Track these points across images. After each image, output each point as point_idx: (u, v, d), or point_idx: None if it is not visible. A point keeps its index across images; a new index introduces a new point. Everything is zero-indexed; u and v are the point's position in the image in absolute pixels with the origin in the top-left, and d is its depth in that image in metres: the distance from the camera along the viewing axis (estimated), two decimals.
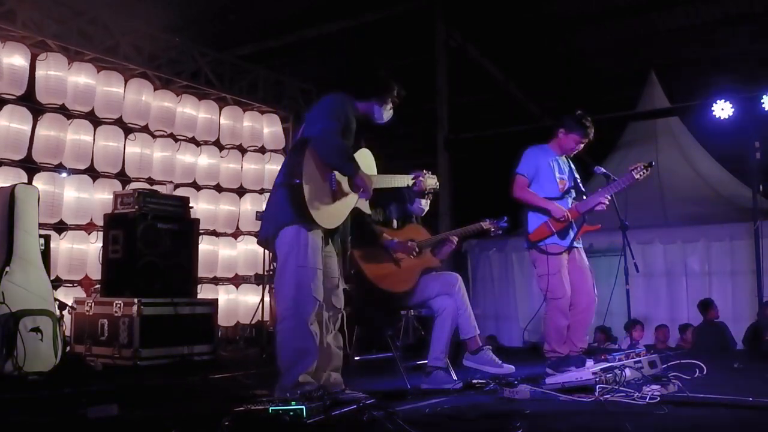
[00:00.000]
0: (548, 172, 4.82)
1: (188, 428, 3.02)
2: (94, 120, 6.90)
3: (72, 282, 6.68)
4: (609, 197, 4.68)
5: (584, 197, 4.83)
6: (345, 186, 3.56)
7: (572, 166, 4.99)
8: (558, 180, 4.81)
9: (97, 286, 6.39)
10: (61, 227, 6.70)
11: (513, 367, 4.32)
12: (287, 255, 3.38)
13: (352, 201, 3.64)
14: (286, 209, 3.37)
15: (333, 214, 3.51)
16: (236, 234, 8.39)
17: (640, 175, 4.67)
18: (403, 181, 3.98)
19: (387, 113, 3.82)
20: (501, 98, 11.84)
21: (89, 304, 5.93)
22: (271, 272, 8.07)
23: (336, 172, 3.48)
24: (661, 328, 8.10)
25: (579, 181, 4.98)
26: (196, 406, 3.84)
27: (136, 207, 5.97)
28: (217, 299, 6.87)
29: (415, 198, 4.59)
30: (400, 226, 4.57)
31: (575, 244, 4.80)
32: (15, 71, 6.24)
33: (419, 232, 4.55)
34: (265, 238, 3.54)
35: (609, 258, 5.31)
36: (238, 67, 8.42)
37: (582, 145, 4.86)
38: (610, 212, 4.77)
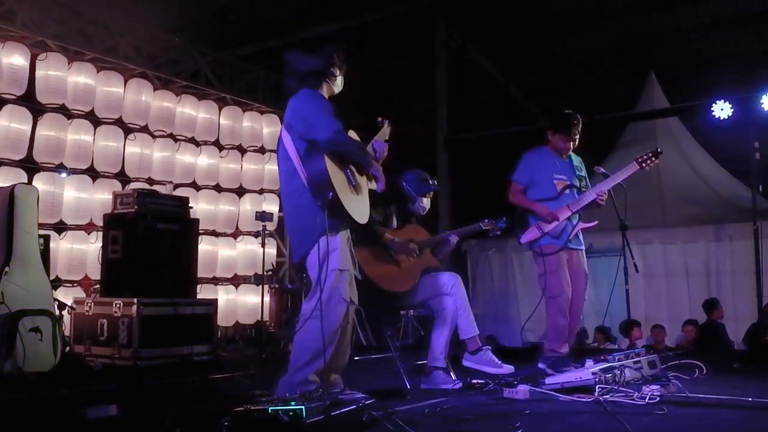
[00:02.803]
0: (545, 175, 4.84)
1: (188, 428, 3.02)
2: (94, 120, 6.90)
3: (71, 282, 6.67)
4: (606, 192, 4.69)
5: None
6: (358, 177, 3.60)
7: (576, 164, 4.98)
8: (555, 181, 4.82)
9: (97, 286, 6.38)
10: (60, 227, 6.69)
11: (512, 367, 4.33)
12: (321, 262, 3.38)
13: (366, 189, 3.69)
14: (320, 224, 3.34)
15: (362, 208, 3.58)
16: (236, 234, 8.38)
17: (647, 165, 4.64)
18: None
19: (338, 82, 3.73)
20: (501, 98, 11.84)
21: (89, 304, 5.91)
22: (270, 272, 8.08)
23: (351, 168, 3.51)
24: (656, 329, 8.09)
25: (587, 179, 4.98)
26: (195, 406, 3.84)
27: (136, 207, 5.96)
28: (216, 299, 6.85)
29: (416, 198, 4.60)
30: (399, 225, 4.57)
31: (575, 245, 4.80)
32: (15, 71, 6.23)
33: (419, 232, 4.56)
34: (302, 258, 3.46)
35: (609, 258, 5.31)
36: (238, 68, 8.41)
37: (571, 143, 4.88)
38: (610, 212, 4.76)
